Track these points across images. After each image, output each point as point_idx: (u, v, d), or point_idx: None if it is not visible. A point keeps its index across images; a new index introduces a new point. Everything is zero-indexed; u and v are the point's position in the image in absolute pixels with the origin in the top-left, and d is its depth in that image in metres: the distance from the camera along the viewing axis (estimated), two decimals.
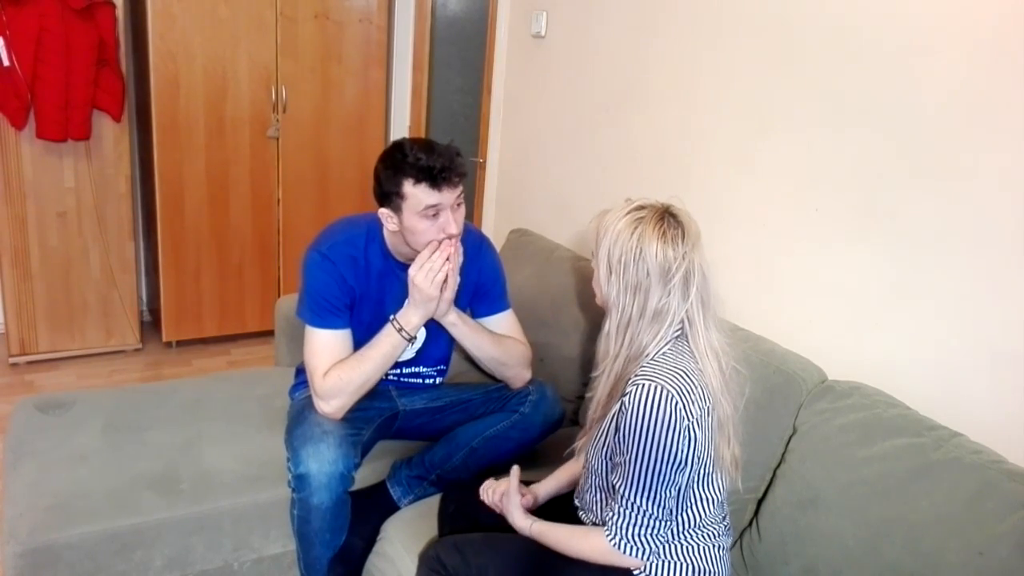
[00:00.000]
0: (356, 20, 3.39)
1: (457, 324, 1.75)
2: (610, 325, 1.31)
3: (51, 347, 3.19)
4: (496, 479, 1.58)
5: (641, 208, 1.29)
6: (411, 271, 1.63)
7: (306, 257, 1.73)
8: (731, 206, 1.94)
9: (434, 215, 1.60)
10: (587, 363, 1.91)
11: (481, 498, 1.57)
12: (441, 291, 1.64)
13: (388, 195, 1.62)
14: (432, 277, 1.62)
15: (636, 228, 1.26)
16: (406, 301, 1.70)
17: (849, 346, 1.65)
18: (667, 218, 1.27)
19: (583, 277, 2.12)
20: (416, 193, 1.58)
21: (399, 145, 1.62)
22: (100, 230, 3.12)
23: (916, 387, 1.51)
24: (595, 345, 1.38)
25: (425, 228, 1.61)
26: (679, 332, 1.29)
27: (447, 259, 1.63)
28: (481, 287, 1.85)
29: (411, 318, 1.67)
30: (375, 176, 1.65)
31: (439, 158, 1.56)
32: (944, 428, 1.39)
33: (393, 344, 1.69)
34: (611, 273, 1.28)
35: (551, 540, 1.38)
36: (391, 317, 1.69)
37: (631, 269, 1.25)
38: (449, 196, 1.59)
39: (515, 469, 1.53)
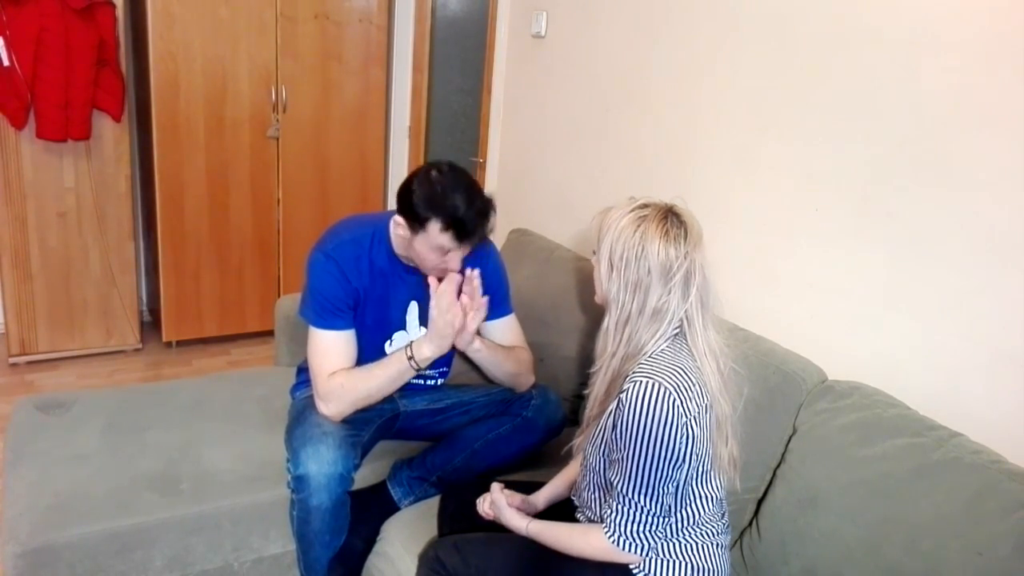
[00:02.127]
0: (356, 20, 3.39)
1: (481, 350, 1.75)
2: (609, 321, 1.31)
3: (51, 347, 3.19)
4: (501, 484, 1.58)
5: (645, 206, 1.29)
6: (432, 312, 1.65)
7: (311, 257, 1.73)
8: (731, 206, 1.94)
9: (443, 255, 1.62)
10: (586, 362, 1.91)
11: (478, 511, 1.57)
12: (462, 328, 1.66)
13: (414, 216, 1.59)
14: (451, 321, 1.64)
15: (639, 226, 1.26)
16: (410, 306, 1.68)
17: (849, 346, 1.65)
18: (670, 217, 1.27)
19: (583, 277, 2.12)
20: (438, 235, 1.58)
21: (441, 176, 1.59)
22: (100, 230, 3.12)
23: (916, 387, 1.51)
24: (594, 342, 1.38)
25: (430, 259, 1.63)
26: (677, 331, 1.29)
27: (464, 313, 1.65)
28: (485, 291, 1.84)
29: (424, 351, 1.67)
30: (409, 186, 1.61)
31: (473, 215, 1.56)
32: (944, 428, 1.39)
33: (400, 370, 1.68)
34: (612, 270, 1.28)
35: (549, 539, 1.38)
36: (408, 344, 1.69)
37: (632, 266, 1.25)
38: (466, 250, 1.62)
39: (495, 485, 1.53)
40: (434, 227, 1.57)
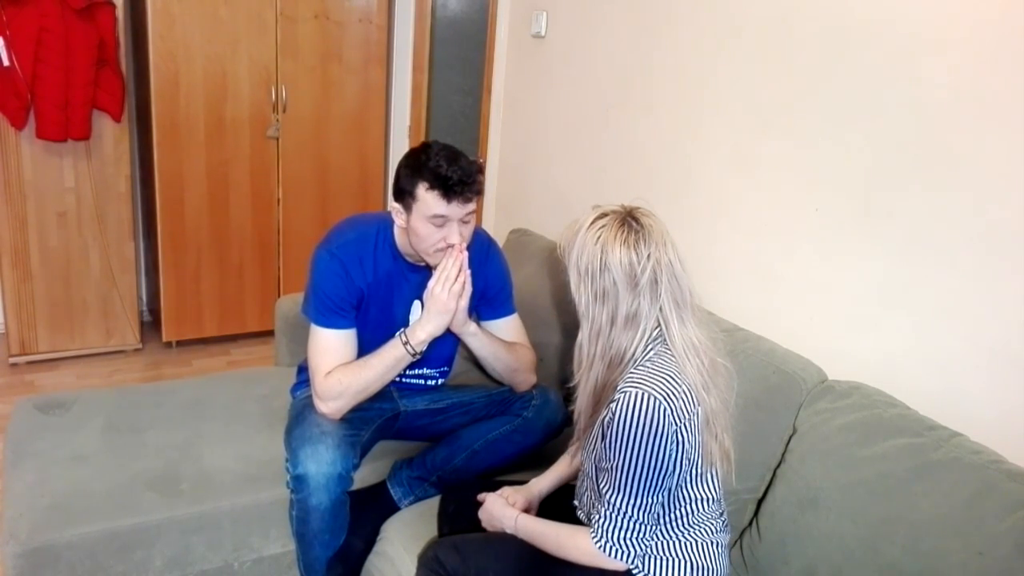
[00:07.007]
0: (356, 20, 3.39)
1: (478, 334, 1.76)
2: (582, 335, 1.31)
3: (51, 347, 3.19)
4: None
5: (604, 215, 1.29)
6: (430, 284, 1.64)
7: (315, 255, 1.73)
8: (731, 206, 1.94)
9: (439, 225, 1.61)
10: None
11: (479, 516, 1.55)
12: (457, 301, 1.65)
13: (402, 192, 1.63)
14: (448, 287, 1.63)
15: (599, 237, 1.26)
16: (413, 306, 1.68)
17: (849, 346, 1.65)
18: (628, 222, 1.27)
19: None
20: (427, 198, 1.58)
21: (427, 147, 1.63)
22: (100, 230, 3.12)
23: (916, 387, 1.51)
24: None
25: (427, 234, 1.62)
26: (658, 330, 1.28)
27: (460, 269, 1.63)
28: (488, 291, 1.84)
29: (419, 333, 1.66)
30: (397, 169, 1.66)
31: (458, 171, 1.57)
32: (944, 428, 1.39)
33: (396, 357, 1.68)
34: (580, 283, 1.28)
35: (537, 536, 1.38)
36: (401, 330, 1.69)
37: (598, 279, 1.25)
38: (458, 210, 1.60)
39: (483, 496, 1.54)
40: (422, 191, 1.58)
